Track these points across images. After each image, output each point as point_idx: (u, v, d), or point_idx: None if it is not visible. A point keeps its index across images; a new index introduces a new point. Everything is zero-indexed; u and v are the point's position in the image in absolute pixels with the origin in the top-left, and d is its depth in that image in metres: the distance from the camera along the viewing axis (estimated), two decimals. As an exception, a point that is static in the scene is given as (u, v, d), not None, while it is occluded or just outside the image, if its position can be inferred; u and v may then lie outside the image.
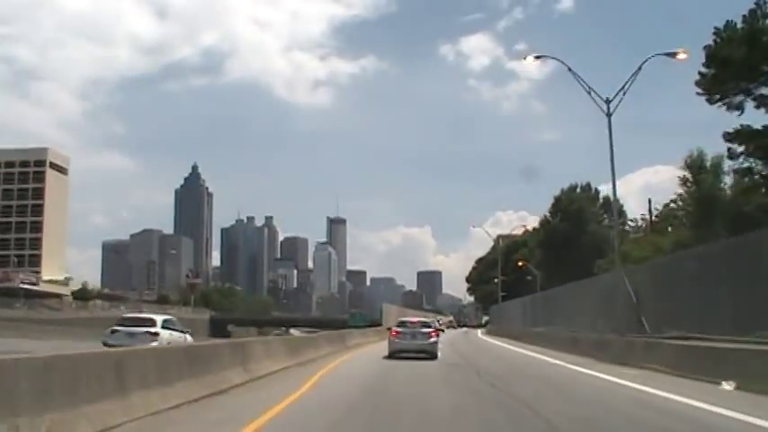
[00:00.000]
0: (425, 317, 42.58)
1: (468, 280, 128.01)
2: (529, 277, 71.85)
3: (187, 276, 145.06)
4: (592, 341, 22.74)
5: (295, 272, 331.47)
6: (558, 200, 68.24)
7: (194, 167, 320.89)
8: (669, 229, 44.43)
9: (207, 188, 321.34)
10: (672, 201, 43.09)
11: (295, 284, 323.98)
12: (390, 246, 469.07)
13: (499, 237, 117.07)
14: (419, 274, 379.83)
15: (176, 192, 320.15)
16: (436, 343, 21.95)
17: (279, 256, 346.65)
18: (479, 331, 70.23)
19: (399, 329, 22.08)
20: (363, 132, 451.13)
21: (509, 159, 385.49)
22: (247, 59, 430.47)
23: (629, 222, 61.10)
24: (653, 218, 49.88)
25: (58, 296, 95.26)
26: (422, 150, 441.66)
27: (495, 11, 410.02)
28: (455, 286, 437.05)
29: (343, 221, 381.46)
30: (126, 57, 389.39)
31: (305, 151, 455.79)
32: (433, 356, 20.90)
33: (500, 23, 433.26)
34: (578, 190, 69.87)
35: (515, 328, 46.45)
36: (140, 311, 40.42)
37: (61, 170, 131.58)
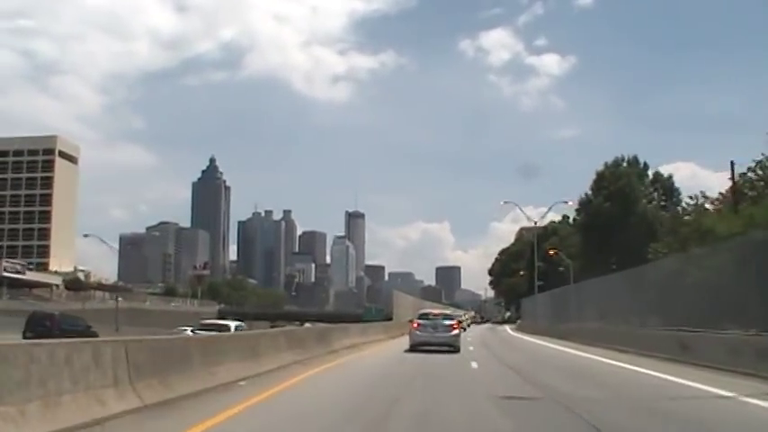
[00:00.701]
0: (446, 310, 38.80)
1: (490, 273, 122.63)
2: (561, 268, 65.13)
3: (194, 267, 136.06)
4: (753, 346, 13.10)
5: (313, 266, 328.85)
6: (600, 176, 59.61)
7: (212, 160, 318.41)
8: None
9: (224, 181, 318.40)
10: (751, 168, 35.05)
11: (313, 279, 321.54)
12: (409, 241, 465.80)
13: (522, 229, 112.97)
14: (438, 269, 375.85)
15: (194, 185, 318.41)
16: (459, 336, 21.74)
17: (297, 250, 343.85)
18: (507, 327, 65.16)
19: (421, 321, 21.66)
20: (382, 127, 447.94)
21: (528, 155, 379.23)
22: (266, 54, 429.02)
23: (688, 199, 50.62)
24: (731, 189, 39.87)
25: (48, 286, 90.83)
26: (440, 146, 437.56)
27: (515, 6, 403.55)
28: (474, 282, 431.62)
29: (361, 216, 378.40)
30: (146, 51, 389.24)
31: (323, 146, 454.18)
32: (455, 350, 20.42)
33: (520, 18, 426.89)
34: (624, 164, 60.25)
35: (555, 323, 40.58)
36: (217, 318, 44.91)
37: (71, 159, 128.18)
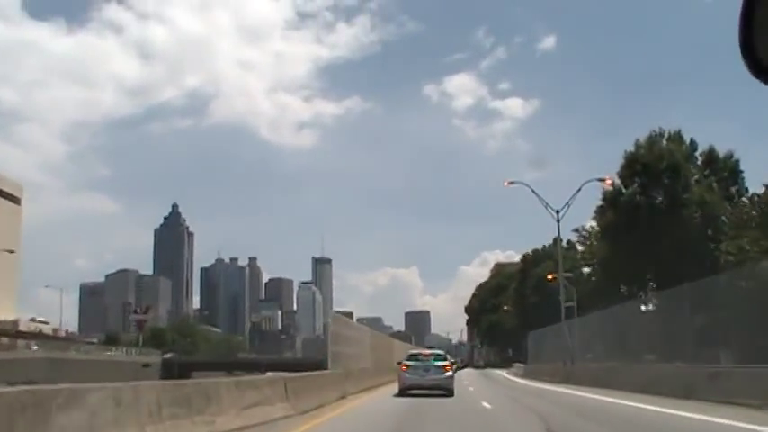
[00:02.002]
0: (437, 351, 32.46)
1: (467, 310, 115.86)
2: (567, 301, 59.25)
3: (135, 312, 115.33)
4: None
5: (279, 313, 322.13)
6: (631, 159, 44.15)
7: (174, 207, 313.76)
8: None
9: (187, 228, 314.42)
10: None
11: (279, 326, 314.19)
12: (377, 287, 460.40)
13: (497, 264, 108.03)
14: (407, 314, 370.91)
15: (156, 232, 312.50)
16: (452, 378, 20.42)
17: (263, 297, 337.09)
18: (505, 373, 54.88)
19: (410, 363, 20.41)
20: (349, 173, 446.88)
21: (494, 198, 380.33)
22: (232, 101, 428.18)
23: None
24: None
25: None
26: (408, 190, 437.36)
27: (478, 51, 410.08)
28: (443, 326, 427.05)
29: (328, 261, 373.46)
30: (110, 98, 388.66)
31: (290, 192, 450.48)
32: (449, 393, 19.16)
33: (483, 63, 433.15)
34: (665, 141, 44.88)
35: (606, 365, 27.83)
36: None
37: (14, 200, 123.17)
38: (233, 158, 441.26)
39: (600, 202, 47.08)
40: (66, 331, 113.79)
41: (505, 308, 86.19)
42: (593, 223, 55.30)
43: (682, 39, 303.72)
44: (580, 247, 66.17)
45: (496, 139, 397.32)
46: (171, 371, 68.82)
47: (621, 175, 44.62)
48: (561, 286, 39.89)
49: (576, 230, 63.28)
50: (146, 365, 69.75)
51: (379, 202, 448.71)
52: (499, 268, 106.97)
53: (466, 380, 33.96)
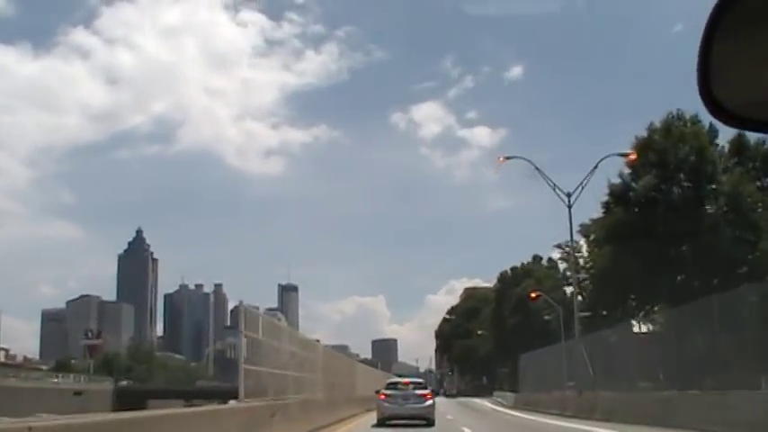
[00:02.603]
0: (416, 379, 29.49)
1: (437, 336, 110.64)
2: (547, 316, 55.32)
3: (86, 336, 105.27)
4: None
5: (245, 341, 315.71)
6: (644, 146, 36.05)
7: (138, 232, 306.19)
8: None
9: (152, 254, 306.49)
10: None
11: (245, 354, 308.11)
12: (344, 315, 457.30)
13: (467, 289, 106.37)
14: (374, 342, 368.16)
15: (120, 257, 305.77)
16: (433, 406, 19.69)
17: (228, 324, 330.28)
18: (487, 402, 50.55)
19: (389, 392, 19.75)
20: (316, 201, 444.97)
21: (462, 227, 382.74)
22: (199, 128, 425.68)
23: None
24: None
25: None
26: (375, 218, 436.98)
27: (446, 79, 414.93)
28: (410, 355, 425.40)
29: (294, 289, 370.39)
30: (76, 124, 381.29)
31: (257, 219, 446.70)
32: (430, 423, 18.67)
33: (450, 92, 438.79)
34: (687, 125, 36.87)
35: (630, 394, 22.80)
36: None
37: None
38: (200, 185, 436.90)
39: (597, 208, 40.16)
40: (25, 357, 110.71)
41: (480, 332, 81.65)
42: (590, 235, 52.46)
43: (650, 68, 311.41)
44: (562, 265, 62.43)
45: (463, 167, 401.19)
46: (125, 399, 64.97)
47: (632, 166, 37.16)
48: (575, 293, 33.95)
49: (560, 246, 59.24)
50: (77, 393, 64.79)
51: (347, 231, 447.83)
52: (471, 292, 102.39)
53: (448, 414, 27.71)
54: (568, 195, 29.27)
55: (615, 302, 38.72)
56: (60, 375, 79.02)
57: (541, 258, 70.94)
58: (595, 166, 29.32)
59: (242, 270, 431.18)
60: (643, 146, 36.18)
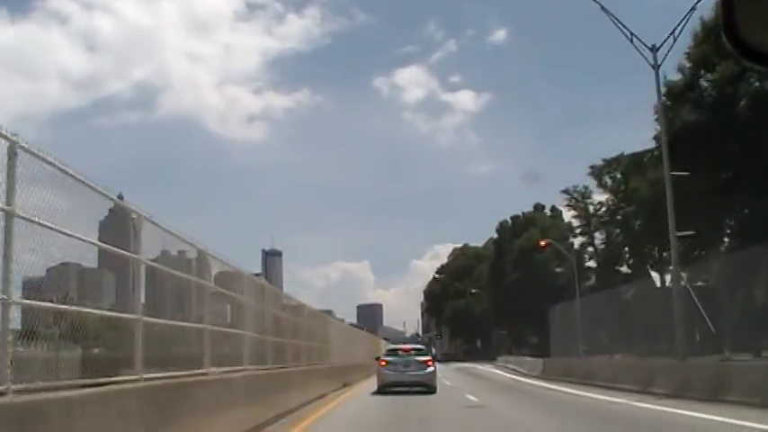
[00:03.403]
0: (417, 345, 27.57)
1: (426, 296, 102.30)
2: (558, 268, 50.36)
3: (51, 302, 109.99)
4: None
5: (228, 307, 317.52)
6: (713, 29, 26.83)
7: (120, 197, 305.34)
8: None
9: (134, 219, 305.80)
10: None
11: (228, 320, 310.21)
12: (329, 281, 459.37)
13: (456, 249, 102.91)
14: (359, 307, 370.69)
15: (100, 224, 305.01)
16: (435, 373, 19.52)
17: (210, 291, 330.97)
18: (493, 368, 44.63)
19: (389, 358, 19.71)
20: (300, 166, 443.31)
21: (445, 192, 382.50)
22: (180, 94, 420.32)
23: None
24: None
25: None
26: (359, 184, 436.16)
27: (429, 43, 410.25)
28: (396, 320, 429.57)
29: (278, 254, 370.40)
30: (56, 91, 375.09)
31: (240, 186, 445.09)
32: (431, 390, 18.53)
33: (434, 56, 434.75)
34: None
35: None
36: None
37: None
38: (182, 151, 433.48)
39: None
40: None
41: (474, 291, 74.43)
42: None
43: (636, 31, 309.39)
44: (569, 213, 59.08)
45: (447, 132, 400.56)
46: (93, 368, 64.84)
47: (694, 60, 30.11)
48: (669, 203, 19.92)
49: (567, 192, 57.32)
50: None
51: (331, 196, 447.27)
52: (462, 250, 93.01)
53: (469, 393, 19.53)
54: (654, 50, 20.43)
55: (661, 242, 31.98)
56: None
57: (543, 207, 65.35)
58: (692, 9, 19.42)
59: (225, 236, 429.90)
60: (711, 29, 27.17)
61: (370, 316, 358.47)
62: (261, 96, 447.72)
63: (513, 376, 33.94)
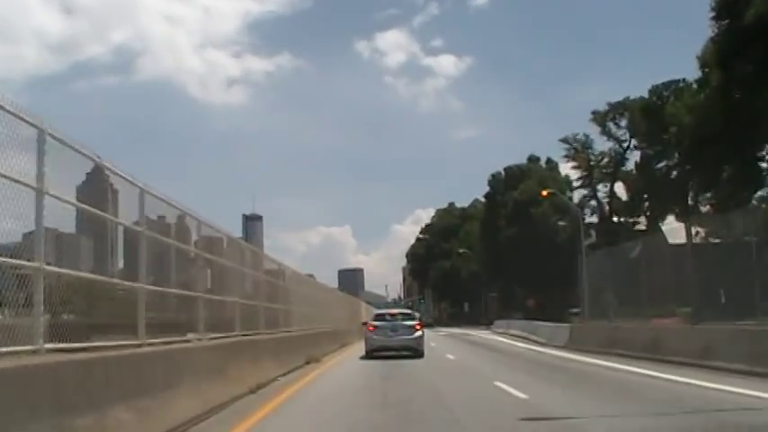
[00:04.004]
0: (404, 309, 27.31)
1: (410, 258, 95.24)
2: (561, 222, 46.40)
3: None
4: None
5: (209, 272, 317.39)
6: None
7: (97, 164, 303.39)
8: None
9: (111, 185, 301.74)
10: None
11: (209, 285, 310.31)
12: (310, 245, 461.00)
13: (439, 210, 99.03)
14: (340, 271, 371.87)
15: (78, 189, 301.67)
16: (422, 338, 19.34)
17: (192, 256, 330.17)
18: (494, 335, 38.97)
19: (377, 323, 19.63)
20: (280, 131, 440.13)
21: (427, 157, 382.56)
22: (159, 58, 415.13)
23: None
24: None
25: None
26: (340, 149, 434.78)
27: (411, 6, 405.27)
28: (377, 285, 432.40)
29: (259, 218, 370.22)
30: (33, 55, 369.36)
31: (220, 150, 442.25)
32: (418, 354, 18.48)
33: (415, 19, 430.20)
34: None
35: None
36: None
37: None
38: (161, 116, 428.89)
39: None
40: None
41: (461, 251, 68.58)
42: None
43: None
44: (568, 165, 55.45)
45: (429, 96, 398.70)
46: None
47: None
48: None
49: (566, 141, 53.73)
50: None
51: (312, 160, 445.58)
52: (448, 210, 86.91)
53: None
54: None
55: (704, 176, 29.63)
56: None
57: (538, 159, 60.52)
58: None
59: (205, 201, 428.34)
60: None
61: (351, 281, 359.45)
62: (241, 60, 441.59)
63: (530, 347, 26.51)
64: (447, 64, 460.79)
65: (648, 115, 43.66)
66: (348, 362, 19.18)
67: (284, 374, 14.07)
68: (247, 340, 12.59)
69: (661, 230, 26.58)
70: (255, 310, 14.40)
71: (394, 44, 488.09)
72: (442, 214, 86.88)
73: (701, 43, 31.69)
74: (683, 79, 43.13)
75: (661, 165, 44.30)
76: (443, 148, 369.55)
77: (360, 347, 21.80)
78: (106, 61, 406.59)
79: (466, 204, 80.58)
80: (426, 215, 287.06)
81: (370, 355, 18.78)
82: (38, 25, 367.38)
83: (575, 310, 35.28)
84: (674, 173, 41.79)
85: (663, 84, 44.62)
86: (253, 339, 13.04)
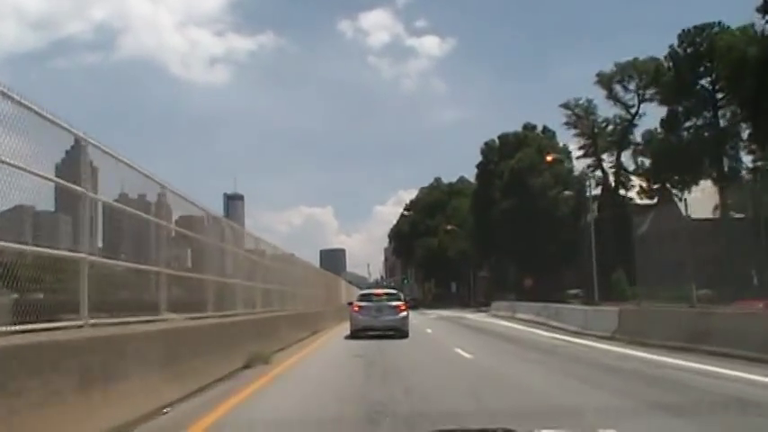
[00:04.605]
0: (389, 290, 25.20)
1: (394, 236, 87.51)
2: (567, 191, 41.78)
3: None
4: None
5: (189, 251, 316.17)
6: None
7: (77, 140, 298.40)
8: None
9: (91, 162, 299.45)
10: None
11: (189, 264, 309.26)
12: (292, 226, 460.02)
13: (422, 188, 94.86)
14: (322, 252, 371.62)
15: (57, 167, 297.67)
16: (407, 318, 19.41)
17: (173, 234, 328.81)
18: (501, 321, 31.43)
19: (363, 303, 19.68)
20: (263, 110, 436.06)
21: (410, 138, 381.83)
22: (141, 35, 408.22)
23: None
24: None
25: None
26: (323, 129, 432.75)
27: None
28: (359, 265, 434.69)
29: (240, 198, 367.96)
30: (12, 32, 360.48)
31: (202, 130, 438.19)
32: (403, 335, 18.48)
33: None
34: None
35: None
36: None
37: None
38: (143, 94, 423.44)
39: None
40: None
41: (449, 227, 63.93)
42: None
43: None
44: (569, 132, 51.38)
45: (412, 77, 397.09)
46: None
47: None
48: None
49: (567, 106, 49.60)
50: None
51: (295, 140, 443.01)
52: (434, 185, 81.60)
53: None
54: None
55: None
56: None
57: (534, 127, 55.17)
58: None
59: (187, 181, 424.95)
60: None
61: (333, 261, 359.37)
62: (223, 38, 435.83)
63: (560, 337, 20.84)
64: (431, 45, 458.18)
65: (679, 65, 39.21)
66: (316, 363, 13.45)
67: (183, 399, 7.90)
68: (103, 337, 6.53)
69: (675, 203, 23.17)
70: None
71: (377, 24, 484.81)
72: (428, 190, 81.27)
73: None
74: (719, 22, 38.71)
75: (689, 124, 39.14)
76: (427, 129, 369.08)
77: (339, 335, 20.39)
78: (87, 39, 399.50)
79: (453, 180, 76.01)
80: (409, 196, 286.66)
81: (355, 334, 18.86)
82: (17, 1, 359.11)
83: (573, 291, 33.43)
84: (705, 134, 36.94)
85: (694, 28, 39.60)
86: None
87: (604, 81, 47.20)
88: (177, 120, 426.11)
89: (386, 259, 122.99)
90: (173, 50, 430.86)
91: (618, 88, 47.16)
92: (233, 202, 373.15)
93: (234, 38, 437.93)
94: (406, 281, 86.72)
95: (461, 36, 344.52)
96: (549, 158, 39.92)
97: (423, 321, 28.99)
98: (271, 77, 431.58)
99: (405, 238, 77.66)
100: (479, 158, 56.56)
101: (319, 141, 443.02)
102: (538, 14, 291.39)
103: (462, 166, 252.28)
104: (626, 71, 46.26)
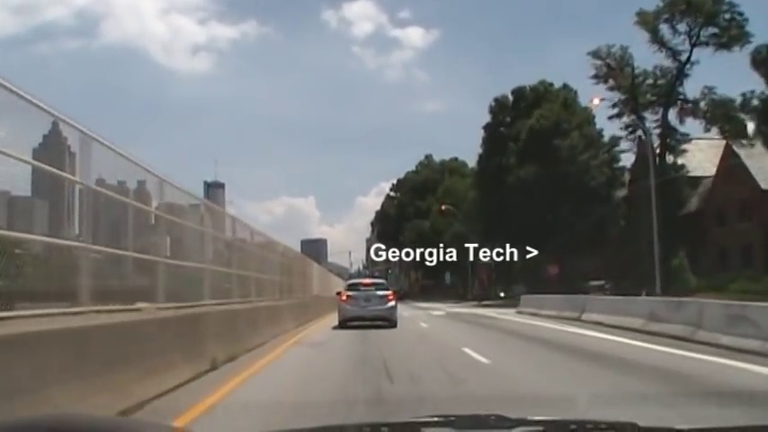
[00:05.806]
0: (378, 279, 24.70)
1: (378, 220, 79.46)
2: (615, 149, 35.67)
3: None
4: None
5: (168, 239, 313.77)
6: None
7: (54, 124, 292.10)
8: None
9: (69, 147, 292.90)
10: None
11: (168, 253, 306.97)
12: (273, 215, 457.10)
13: (408, 172, 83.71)
14: (303, 242, 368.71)
15: (34, 151, 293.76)
16: (395, 308, 19.22)
17: (152, 221, 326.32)
18: (532, 319, 21.52)
19: (351, 293, 19.45)
20: (245, 100, 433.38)
21: (393, 129, 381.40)
22: (123, 22, 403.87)
23: None
24: None
25: None
26: (305, 118, 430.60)
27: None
28: (341, 256, 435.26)
29: (221, 186, 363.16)
30: None
31: (184, 118, 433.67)
32: (392, 324, 18.29)
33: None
34: None
35: None
36: None
37: None
38: (124, 81, 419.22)
39: None
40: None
41: (444, 206, 53.95)
42: None
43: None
44: (598, 87, 39.89)
45: (395, 68, 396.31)
46: None
47: None
48: None
49: (597, 54, 39.26)
50: None
51: (276, 130, 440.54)
52: (424, 163, 72.94)
53: None
54: None
55: None
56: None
57: (552, 84, 45.33)
58: None
59: (168, 168, 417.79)
60: None
61: (314, 250, 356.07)
62: (206, 26, 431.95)
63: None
64: (415, 36, 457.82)
65: None
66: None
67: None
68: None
69: (742, 169, 18.92)
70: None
71: (361, 14, 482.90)
72: (418, 167, 72.18)
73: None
74: None
75: None
76: (409, 120, 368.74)
77: (316, 334, 17.60)
78: (69, 24, 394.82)
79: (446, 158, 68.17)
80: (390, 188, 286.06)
81: (343, 325, 18.67)
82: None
83: (596, 283, 27.61)
84: None
85: None
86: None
87: (647, 21, 37.94)
88: (159, 106, 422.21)
89: (368, 249, 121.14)
90: (155, 38, 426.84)
91: (664, 28, 38.35)
92: (213, 190, 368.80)
93: (217, 26, 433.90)
94: (389, 270, 76.41)
95: (445, 27, 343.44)
96: (596, 101, 32.65)
97: (423, 318, 24.41)
98: (254, 66, 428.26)
99: (390, 222, 69.12)
100: (471, 144, 51.51)
101: (303, 131, 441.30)
102: (522, 4, 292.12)
103: (447, 157, 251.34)
104: (676, 5, 36.99)
